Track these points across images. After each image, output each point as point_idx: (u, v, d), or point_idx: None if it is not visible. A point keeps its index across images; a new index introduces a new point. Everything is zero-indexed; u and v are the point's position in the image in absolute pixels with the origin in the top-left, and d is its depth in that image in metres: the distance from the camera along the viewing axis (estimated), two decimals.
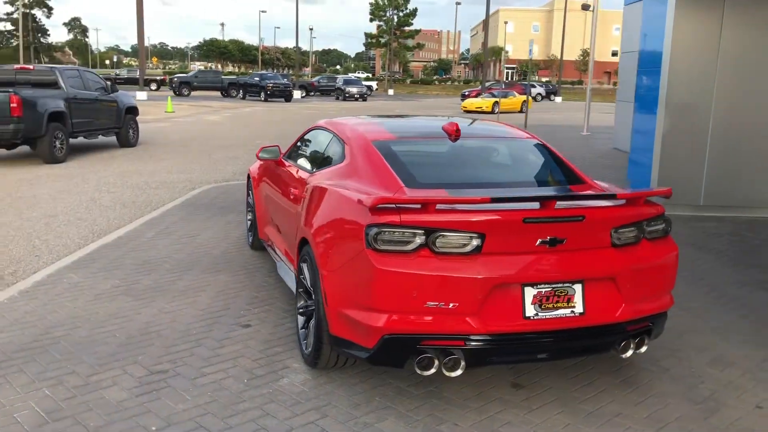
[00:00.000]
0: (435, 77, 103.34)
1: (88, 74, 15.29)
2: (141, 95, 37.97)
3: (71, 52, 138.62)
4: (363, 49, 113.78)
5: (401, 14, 72.39)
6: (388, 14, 70.98)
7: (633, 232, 3.66)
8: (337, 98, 50.23)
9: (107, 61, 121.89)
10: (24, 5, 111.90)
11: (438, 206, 3.35)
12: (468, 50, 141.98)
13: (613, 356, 3.94)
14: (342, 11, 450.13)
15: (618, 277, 3.53)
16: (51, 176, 11.57)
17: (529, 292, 3.39)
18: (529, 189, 3.93)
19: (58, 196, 9.68)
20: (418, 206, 3.35)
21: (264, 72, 60.83)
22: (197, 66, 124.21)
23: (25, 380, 3.86)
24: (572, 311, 3.46)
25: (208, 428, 3.40)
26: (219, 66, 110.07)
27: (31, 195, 9.75)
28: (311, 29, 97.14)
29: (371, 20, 73.17)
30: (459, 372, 3.40)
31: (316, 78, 62.67)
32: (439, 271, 3.28)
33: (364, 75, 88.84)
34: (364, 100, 48.69)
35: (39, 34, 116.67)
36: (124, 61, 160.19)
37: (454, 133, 4.44)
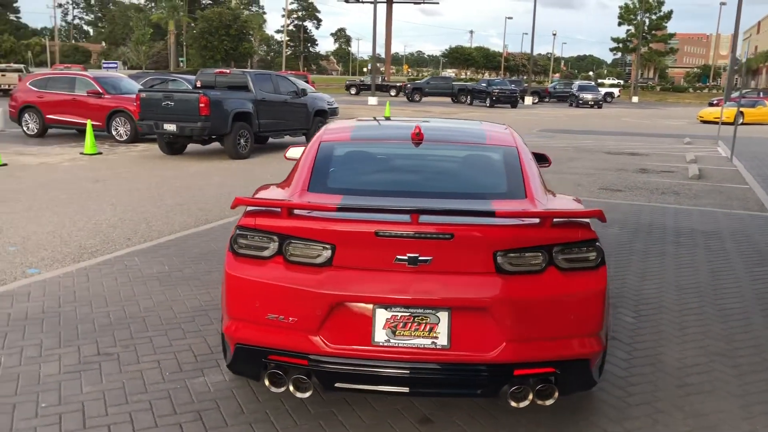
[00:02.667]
0: (698, 84, 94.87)
1: (280, 79, 16.52)
2: (372, 101, 40.06)
3: (335, 60, 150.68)
4: (619, 55, 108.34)
5: (653, 17, 67.58)
6: (638, 17, 66.67)
7: (533, 258, 3.06)
8: (571, 105, 48.46)
9: (365, 69, 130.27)
10: (297, 18, 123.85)
11: (297, 212, 3.11)
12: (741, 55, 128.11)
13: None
14: (599, 16, 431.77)
15: (495, 308, 2.97)
16: (223, 170, 12.70)
17: (381, 315, 3.00)
18: (437, 200, 3.45)
19: (205, 187, 10.61)
20: (278, 210, 3.14)
21: (492, 78, 60.66)
22: (448, 73, 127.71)
23: (13, 338, 4.31)
24: (434, 342, 2.99)
25: (88, 412, 3.52)
26: (466, 73, 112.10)
27: (186, 185, 10.80)
28: (554, 34, 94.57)
29: (619, 24, 69.30)
30: (307, 394, 3.13)
31: (552, 84, 61.00)
32: (279, 281, 3.05)
33: (610, 81, 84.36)
34: (599, 107, 46.34)
35: (308, 44, 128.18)
36: (382, 69, 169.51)
37: (415, 138, 4.07)
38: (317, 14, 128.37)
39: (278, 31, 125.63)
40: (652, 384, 4.04)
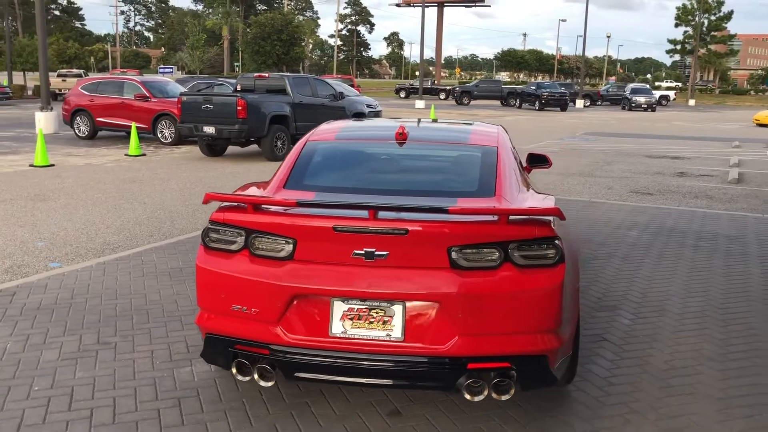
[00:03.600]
0: (761, 87, 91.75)
1: (318, 82, 16.78)
2: (419, 104, 40.16)
3: (387, 64, 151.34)
4: (678, 57, 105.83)
5: (712, 18, 65.75)
6: (696, 19, 64.97)
7: (488, 254, 3.11)
8: (623, 108, 47.57)
9: (416, 72, 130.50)
10: (351, 22, 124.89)
11: (264, 207, 3.24)
12: None
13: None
14: (659, 17, 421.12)
15: (448, 302, 3.03)
16: (259, 171, 12.98)
17: (339, 308, 3.10)
18: (406, 198, 3.51)
19: (236, 187, 10.87)
20: (245, 205, 3.27)
21: (542, 81, 59.94)
22: (501, 76, 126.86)
23: (5, 332, 4.57)
24: (388, 335, 3.07)
25: (75, 396, 3.72)
26: (518, 76, 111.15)
27: (219, 185, 11.10)
28: (608, 36, 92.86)
29: (676, 26, 67.67)
30: (270, 383, 3.25)
31: (605, 87, 59.95)
32: (243, 274, 3.18)
33: (666, 84, 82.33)
34: (653, 110, 45.38)
35: (361, 48, 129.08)
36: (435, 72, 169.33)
37: (398, 137, 4.16)
38: (370, 18, 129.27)
39: (332, 36, 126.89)
40: (633, 385, 4.02)
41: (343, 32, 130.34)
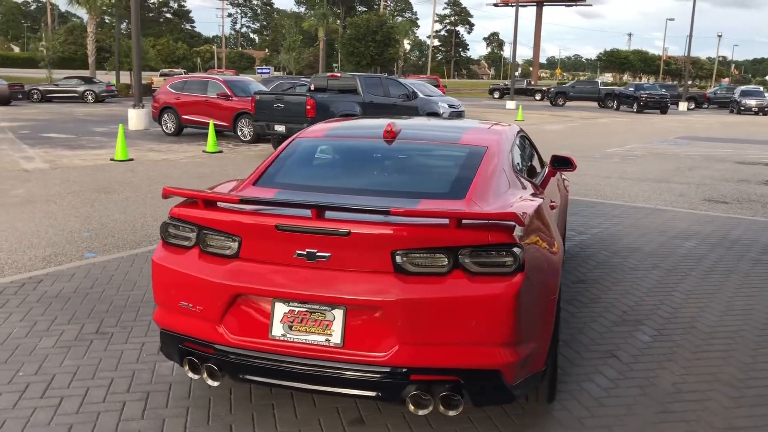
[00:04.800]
0: None
1: (390, 82, 16.74)
2: (510, 105, 39.43)
3: (486, 65, 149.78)
4: None
5: None
6: None
7: (435, 259, 2.92)
8: (731, 111, 44.88)
9: (517, 73, 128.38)
10: (449, 23, 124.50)
11: (220, 204, 3.19)
12: None
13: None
14: None
15: (389, 309, 2.86)
16: None
17: (280, 309, 3.00)
18: (371, 198, 3.36)
19: None
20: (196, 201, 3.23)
21: (641, 82, 57.44)
22: (605, 77, 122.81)
23: (17, 318, 4.76)
24: (328, 340, 2.94)
25: (53, 384, 3.81)
26: (621, 77, 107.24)
27: None
28: (719, 36, 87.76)
29: None
30: (217, 382, 3.19)
31: (713, 89, 56.81)
32: (190, 270, 3.13)
33: None
34: (765, 114, 42.60)
35: (459, 49, 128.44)
36: (539, 73, 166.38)
37: (386, 135, 4.02)
38: (470, 19, 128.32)
39: (430, 37, 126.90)
40: (627, 407, 3.71)
41: (442, 33, 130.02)
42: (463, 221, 2.93)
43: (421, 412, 2.96)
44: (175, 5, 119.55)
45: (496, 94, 56.15)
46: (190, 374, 3.25)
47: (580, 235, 7.74)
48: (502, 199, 3.50)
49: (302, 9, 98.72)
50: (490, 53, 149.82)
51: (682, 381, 4.03)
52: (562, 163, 5.34)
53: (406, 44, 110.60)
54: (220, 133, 17.79)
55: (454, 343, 2.91)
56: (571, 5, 73.51)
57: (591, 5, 70.37)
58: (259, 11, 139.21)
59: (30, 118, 24.67)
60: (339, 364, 2.92)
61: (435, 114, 17.34)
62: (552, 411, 3.64)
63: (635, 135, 23.41)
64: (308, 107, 14.01)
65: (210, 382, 3.20)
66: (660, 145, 19.70)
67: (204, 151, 15.57)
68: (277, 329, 2.99)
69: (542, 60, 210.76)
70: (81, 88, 34.80)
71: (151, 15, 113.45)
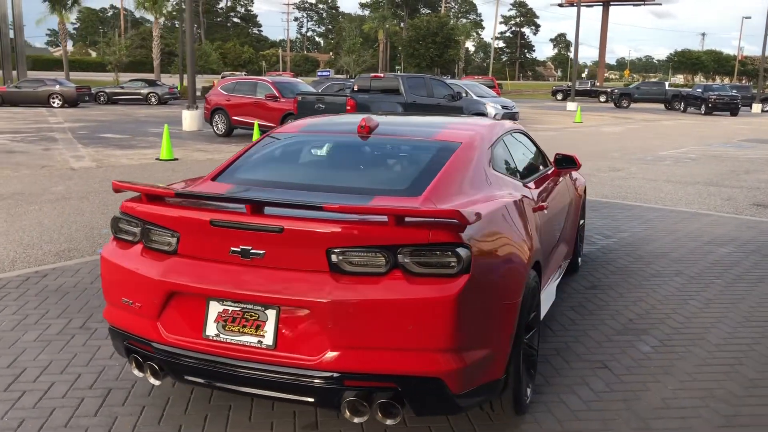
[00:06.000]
0: None
1: (435, 82, 16.55)
2: (570, 106, 38.53)
3: (552, 66, 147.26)
4: None
5: None
6: None
7: (372, 258, 2.75)
8: None
9: (582, 74, 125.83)
10: (515, 24, 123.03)
11: (168, 199, 3.11)
12: None
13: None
14: None
15: (321, 310, 2.72)
16: None
17: (215, 308, 2.89)
18: (325, 195, 3.22)
19: None
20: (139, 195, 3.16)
21: (710, 83, 55.17)
22: (676, 79, 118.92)
23: (10, 311, 4.82)
24: (260, 341, 2.82)
25: (22, 377, 3.82)
26: (693, 78, 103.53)
27: None
28: None
29: None
30: (158, 381, 3.11)
31: None
32: (130, 266, 3.07)
33: None
34: None
35: (525, 50, 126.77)
36: (607, 75, 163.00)
37: (360, 130, 3.88)
38: (535, 20, 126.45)
39: (496, 38, 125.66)
40: (603, 422, 3.45)
41: (507, 34, 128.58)
42: (405, 219, 2.76)
43: (356, 420, 2.81)
44: (243, 10, 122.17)
45: (559, 96, 55.09)
46: (136, 372, 3.19)
47: (606, 239, 7.40)
48: (465, 197, 3.30)
49: (366, 12, 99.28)
50: (557, 54, 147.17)
51: (673, 396, 3.74)
52: (566, 163, 5.07)
53: (470, 46, 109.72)
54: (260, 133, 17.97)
55: (391, 348, 2.74)
56: (639, 4, 71.42)
57: (661, 4, 68.31)
58: (324, 15, 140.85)
59: (92, 119, 25.55)
60: (270, 366, 2.80)
61: (481, 115, 17.00)
62: (521, 424, 3.42)
63: (696, 137, 22.47)
64: (348, 108, 13.96)
65: (152, 380, 3.13)
66: (720, 148, 18.83)
67: None
68: (211, 329, 2.89)
69: (611, 61, 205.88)
70: (145, 91, 35.86)
71: (219, 20, 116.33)
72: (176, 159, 14.08)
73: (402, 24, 75.38)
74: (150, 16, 46.55)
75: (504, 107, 24.91)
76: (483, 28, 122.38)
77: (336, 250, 2.76)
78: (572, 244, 5.63)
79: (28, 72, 39.18)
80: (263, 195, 3.19)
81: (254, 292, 2.80)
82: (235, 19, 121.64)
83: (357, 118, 4.06)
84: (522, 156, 4.61)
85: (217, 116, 19.81)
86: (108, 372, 3.91)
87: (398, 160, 3.79)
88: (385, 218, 2.73)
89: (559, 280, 5.08)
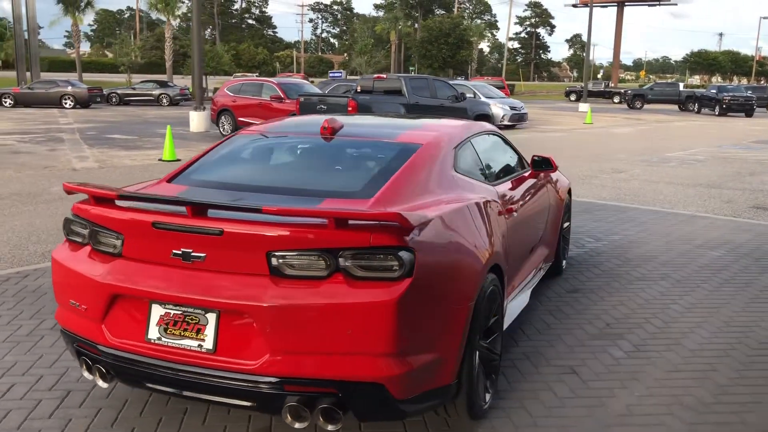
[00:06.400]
0: None
1: (438, 83, 16.49)
2: (583, 107, 38.28)
3: (568, 67, 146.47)
4: None
5: None
6: None
7: (313, 261, 2.72)
8: None
9: (598, 75, 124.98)
10: (530, 25, 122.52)
11: (118, 202, 3.09)
12: None
13: None
14: None
15: (260, 314, 2.68)
16: None
17: (157, 311, 2.87)
18: (275, 197, 3.19)
19: None
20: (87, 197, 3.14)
21: (723, 84, 54.58)
22: (693, 80, 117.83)
23: (4, 307, 4.86)
24: (200, 345, 2.79)
25: None
26: (710, 79, 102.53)
27: None
28: None
29: None
30: (106, 384, 3.10)
31: None
32: (77, 268, 3.05)
33: None
34: None
35: (540, 51, 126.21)
36: (624, 76, 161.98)
37: (323, 132, 3.85)
38: (551, 21, 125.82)
39: (511, 39, 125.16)
40: (563, 429, 3.40)
41: (522, 35, 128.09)
42: (346, 222, 2.72)
43: (297, 425, 2.78)
44: (257, 12, 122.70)
45: (572, 97, 54.80)
46: (86, 374, 3.18)
47: (596, 241, 7.31)
48: (420, 199, 3.26)
49: (380, 13, 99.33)
50: (573, 55, 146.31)
51: (638, 403, 3.67)
52: (543, 164, 5.01)
53: (485, 47, 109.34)
54: None
55: (332, 353, 2.71)
56: (655, 5, 70.84)
57: (676, 4, 68.07)
58: (339, 16, 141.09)
59: (102, 120, 25.74)
60: (211, 371, 2.77)
61: (486, 116, 16.92)
62: (477, 429, 3.37)
63: (706, 139, 22.23)
64: (349, 109, 13.94)
65: (100, 383, 3.11)
66: (729, 149, 18.60)
67: None
68: (153, 332, 2.87)
69: (628, 62, 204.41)
70: (156, 92, 36.09)
71: (234, 21, 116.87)
72: (178, 160, 14.11)
73: (416, 25, 75.22)
74: (164, 18, 46.94)
75: (512, 108, 24.82)
76: (498, 29, 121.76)
77: (276, 254, 2.73)
78: (554, 246, 5.57)
79: (44, 73, 39.58)
80: (214, 197, 3.16)
81: (194, 296, 2.78)
82: (250, 21, 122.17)
83: (323, 120, 4.03)
84: (493, 158, 4.56)
85: (223, 117, 19.88)
86: (70, 374, 3.90)
87: (356, 162, 3.76)
88: (323, 221, 2.69)
89: (536, 283, 5.02)
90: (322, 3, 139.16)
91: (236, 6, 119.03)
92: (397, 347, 2.72)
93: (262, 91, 19.26)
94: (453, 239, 3.11)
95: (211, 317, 2.78)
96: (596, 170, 13.47)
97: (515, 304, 4.41)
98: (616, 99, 52.22)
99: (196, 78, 21.73)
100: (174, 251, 2.84)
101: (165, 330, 2.85)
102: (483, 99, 23.18)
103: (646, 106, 44.56)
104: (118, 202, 2.99)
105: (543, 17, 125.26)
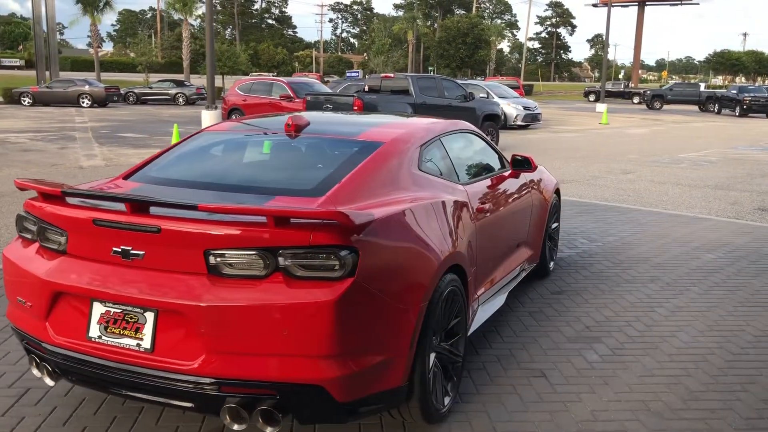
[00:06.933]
0: None
1: (446, 83, 16.37)
2: (600, 107, 37.93)
3: (589, 67, 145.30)
4: None
5: None
6: None
7: (251, 260, 2.67)
8: None
9: (620, 75, 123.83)
10: (550, 25, 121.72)
11: (69, 199, 3.06)
12: None
13: None
14: None
15: (193, 313, 2.64)
16: None
17: (98, 309, 2.83)
18: (228, 194, 3.13)
19: None
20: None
21: (745, 84, 53.75)
22: (717, 80, 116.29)
23: None
24: (138, 344, 2.75)
25: None
26: (733, 80, 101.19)
27: None
28: None
29: None
30: (53, 382, 3.07)
31: None
32: (23, 265, 3.03)
33: None
34: None
35: (561, 51, 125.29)
36: (646, 76, 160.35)
37: (287, 129, 3.80)
38: (572, 20, 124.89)
39: (530, 39, 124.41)
40: None
41: (542, 35, 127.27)
42: (286, 220, 2.67)
43: (236, 427, 2.73)
44: (277, 11, 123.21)
45: (591, 97, 54.26)
46: (35, 372, 3.15)
47: (591, 242, 7.19)
48: (375, 198, 3.19)
49: (400, 13, 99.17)
50: (594, 55, 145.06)
51: (605, 408, 3.57)
52: (523, 164, 4.92)
53: (505, 46, 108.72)
54: None
55: (271, 354, 2.65)
56: (676, 4, 69.98)
57: (698, 4, 66.77)
58: (359, 16, 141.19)
59: (116, 119, 25.94)
60: (149, 371, 2.73)
61: (495, 116, 16.77)
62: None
63: (722, 139, 21.88)
64: (355, 108, 13.88)
65: (48, 381, 3.08)
66: (743, 151, 18.29)
67: None
68: (94, 330, 2.83)
69: (650, 62, 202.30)
70: (173, 91, 36.33)
71: (254, 21, 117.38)
72: None
73: (434, 25, 75.10)
74: (190, 18, 47.30)
75: (525, 108, 24.64)
76: (518, 28, 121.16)
77: (214, 252, 2.68)
78: (538, 247, 5.47)
79: (62, 72, 40.01)
80: (166, 194, 3.11)
81: (133, 294, 2.74)
82: (270, 21, 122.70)
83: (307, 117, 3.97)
84: (467, 157, 4.48)
85: (233, 116, 19.90)
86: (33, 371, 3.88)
87: (314, 160, 3.70)
88: (262, 219, 2.64)
89: (515, 284, 4.93)
90: (342, 3, 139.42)
91: (256, 6, 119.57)
92: (337, 348, 2.66)
93: (272, 91, 19.29)
94: (403, 239, 3.04)
95: (150, 316, 2.74)
96: (604, 171, 13.30)
97: (489, 305, 4.33)
98: (636, 99, 51.69)
99: (208, 77, 21.80)
100: (114, 249, 2.80)
101: (105, 329, 2.81)
102: (495, 99, 23.03)
103: (665, 107, 44.05)
104: (67, 199, 2.96)
105: (564, 17, 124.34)
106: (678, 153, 17.11)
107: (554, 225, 6.06)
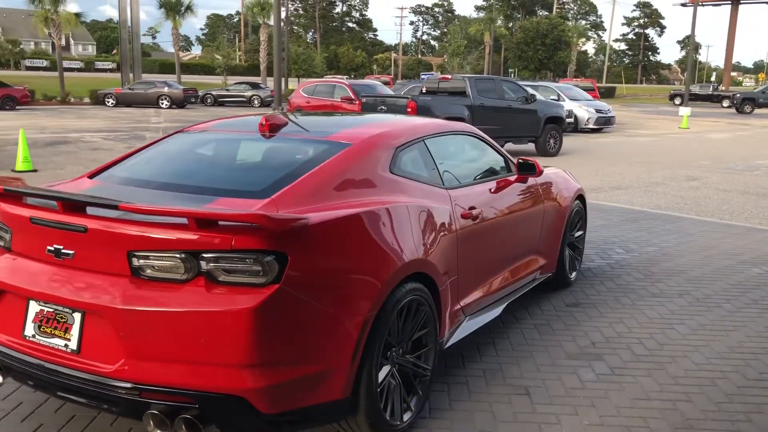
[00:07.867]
0: None
1: (507, 84, 15.97)
2: (683, 111, 36.30)
3: (679, 69, 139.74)
4: None
5: None
6: None
7: (172, 263, 2.57)
8: None
9: (712, 78, 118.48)
10: (638, 25, 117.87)
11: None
12: None
13: None
14: None
15: (113, 316, 2.56)
16: None
17: (34, 308, 2.80)
18: (183, 195, 3.04)
19: None
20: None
21: None
22: None
23: None
24: (66, 345, 2.70)
25: None
26: None
27: None
28: None
29: None
30: (1, 380, 3.07)
31: None
32: None
33: None
34: None
35: (648, 53, 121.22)
36: (741, 79, 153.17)
37: (260, 129, 3.70)
38: (661, 21, 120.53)
39: (617, 40, 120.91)
40: None
41: (629, 36, 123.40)
42: (212, 223, 2.57)
43: None
44: (357, 15, 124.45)
45: (677, 100, 51.99)
46: None
47: (627, 252, 6.79)
48: (327, 201, 3.04)
49: (481, 14, 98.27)
50: (685, 57, 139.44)
51: (594, 424, 3.30)
52: (527, 169, 4.66)
53: (590, 48, 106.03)
54: None
55: (190, 362, 2.56)
56: None
57: None
58: (440, 18, 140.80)
59: (191, 119, 26.68)
60: (73, 372, 2.68)
61: (558, 118, 16.24)
62: None
63: None
64: (409, 110, 13.75)
65: None
66: None
67: None
68: (29, 329, 2.82)
69: (748, 64, 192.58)
70: (248, 93, 37.15)
71: (334, 24, 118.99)
72: None
73: (510, 25, 73.94)
74: (268, 21, 48.33)
75: (598, 111, 23.86)
76: (604, 29, 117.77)
77: (137, 254, 2.61)
78: (553, 256, 5.18)
79: (145, 74, 41.66)
80: (119, 194, 3.06)
81: (62, 294, 2.70)
82: (350, 24, 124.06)
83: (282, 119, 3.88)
84: (459, 160, 4.28)
85: None
86: None
87: (277, 161, 3.57)
88: (183, 220, 2.55)
89: (518, 295, 4.67)
90: (423, 5, 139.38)
91: (337, 10, 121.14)
92: (260, 358, 2.53)
93: (334, 93, 19.38)
94: (346, 244, 2.88)
95: (77, 317, 2.70)
96: (668, 177, 12.65)
97: (481, 316, 4.11)
98: (725, 103, 49.21)
99: (276, 80, 22.17)
100: (48, 247, 2.77)
101: (39, 328, 2.79)
102: (566, 101, 22.42)
103: (757, 111, 41.73)
104: (13, 196, 2.95)
105: (652, 17, 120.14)
106: (756, 159, 16.12)
107: (578, 233, 5.74)
